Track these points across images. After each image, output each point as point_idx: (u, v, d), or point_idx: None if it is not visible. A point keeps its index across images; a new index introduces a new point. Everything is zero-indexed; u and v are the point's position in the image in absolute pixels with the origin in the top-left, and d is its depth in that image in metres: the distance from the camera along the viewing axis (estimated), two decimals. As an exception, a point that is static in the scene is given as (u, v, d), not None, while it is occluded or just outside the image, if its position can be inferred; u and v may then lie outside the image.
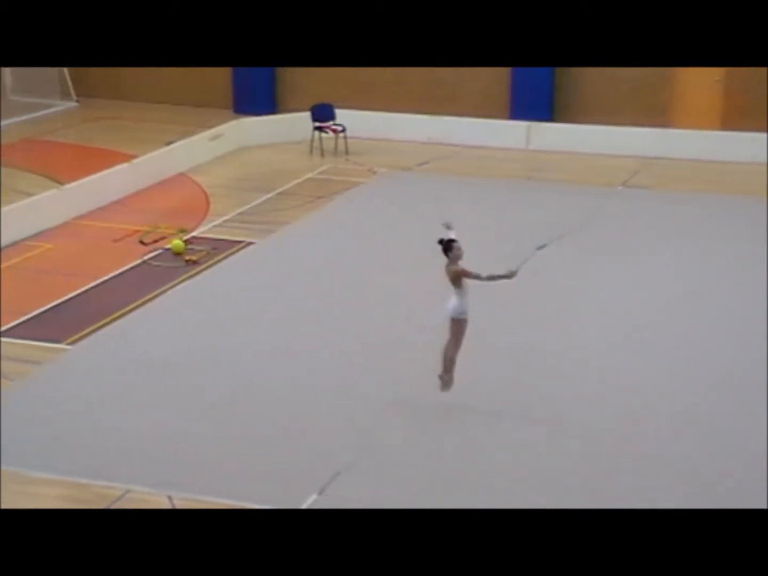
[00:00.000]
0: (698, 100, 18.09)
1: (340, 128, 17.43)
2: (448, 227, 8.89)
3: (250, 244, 13.17)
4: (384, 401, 9.12)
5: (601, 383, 9.55)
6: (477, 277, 8.54)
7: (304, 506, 7.55)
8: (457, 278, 8.59)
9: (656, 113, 17.83)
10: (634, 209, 14.56)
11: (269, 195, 15.22)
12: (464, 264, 8.64)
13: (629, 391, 9.40)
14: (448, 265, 8.66)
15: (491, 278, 8.57)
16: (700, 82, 17.77)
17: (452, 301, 8.67)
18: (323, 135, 17.46)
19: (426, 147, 17.59)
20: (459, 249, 8.63)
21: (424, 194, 15.33)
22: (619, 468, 8.18)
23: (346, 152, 17.31)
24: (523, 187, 15.88)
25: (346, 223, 14.08)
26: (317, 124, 17.54)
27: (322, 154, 17.31)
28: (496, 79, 18.35)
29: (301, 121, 17.67)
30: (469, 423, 8.80)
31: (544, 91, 18.34)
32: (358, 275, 12.12)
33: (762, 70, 16.63)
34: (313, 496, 7.70)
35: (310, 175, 16.35)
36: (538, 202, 14.86)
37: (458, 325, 8.71)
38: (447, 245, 8.65)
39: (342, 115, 17.63)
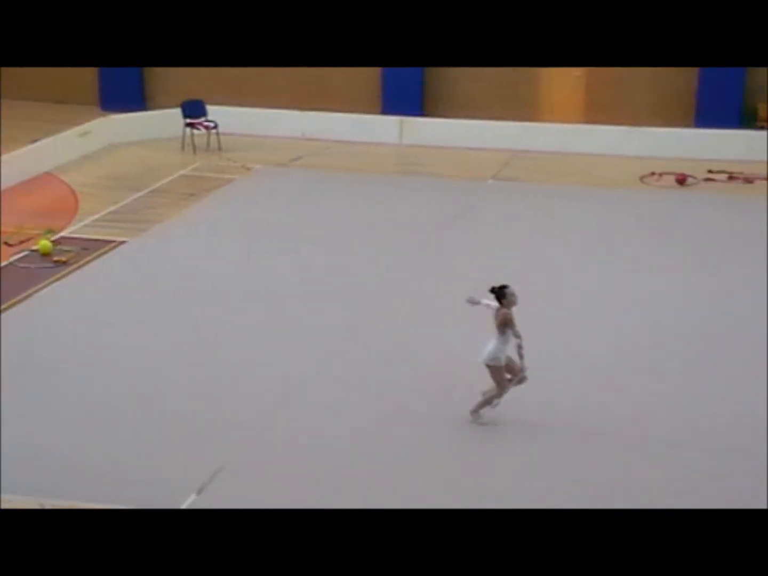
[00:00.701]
0: (561, 95, 18.71)
1: (212, 125, 17.27)
2: (473, 302, 8.73)
3: (122, 243, 12.94)
4: (264, 399, 9.11)
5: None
6: (515, 335, 8.40)
7: (183, 506, 7.51)
8: (503, 325, 8.41)
9: (522, 108, 18.33)
10: (505, 201, 14.93)
11: (141, 193, 14.98)
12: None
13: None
14: (499, 310, 8.46)
15: (519, 347, 8.42)
16: (562, 78, 18.35)
17: (490, 345, 8.48)
18: (195, 132, 17.27)
19: (299, 143, 17.60)
20: (513, 295, 8.45)
21: (299, 190, 15.35)
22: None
23: (219, 149, 17.17)
24: (396, 181, 16.06)
25: (220, 220, 13.98)
26: (188, 120, 17.33)
27: (195, 151, 17.12)
28: (367, 74, 18.49)
29: (172, 117, 17.41)
30: (353, 420, 8.81)
31: (415, 86, 18.59)
32: (233, 273, 12.06)
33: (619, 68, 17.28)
34: (192, 496, 7.66)
35: (182, 172, 16.15)
36: (411, 196, 15.07)
37: (495, 372, 8.49)
38: (500, 292, 8.45)
39: (213, 112, 17.47)
